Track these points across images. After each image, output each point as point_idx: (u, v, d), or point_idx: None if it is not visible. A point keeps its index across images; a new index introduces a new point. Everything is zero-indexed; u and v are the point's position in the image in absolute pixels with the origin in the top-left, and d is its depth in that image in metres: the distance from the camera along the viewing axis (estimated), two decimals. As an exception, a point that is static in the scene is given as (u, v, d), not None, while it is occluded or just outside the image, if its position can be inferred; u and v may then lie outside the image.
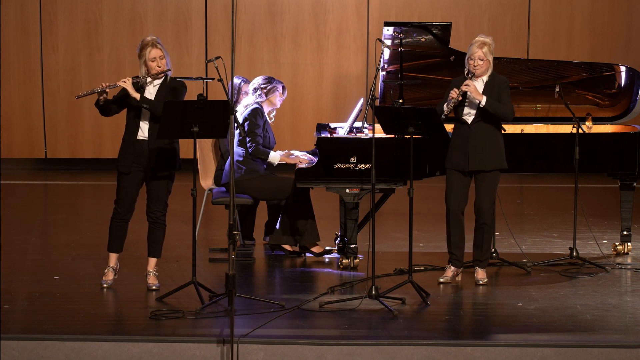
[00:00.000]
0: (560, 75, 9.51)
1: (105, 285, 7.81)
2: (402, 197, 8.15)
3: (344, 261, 8.56)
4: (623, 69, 9.55)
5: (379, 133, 8.31)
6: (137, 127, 7.68)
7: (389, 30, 9.14)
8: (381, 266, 8.32)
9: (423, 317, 7.20)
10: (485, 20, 14.38)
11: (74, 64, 14.31)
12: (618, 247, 9.15)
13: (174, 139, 7.69)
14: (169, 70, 7.68)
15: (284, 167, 8.99)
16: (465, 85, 7.83)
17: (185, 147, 8.50)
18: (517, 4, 14.42)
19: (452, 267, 8.10)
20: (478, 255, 8.05)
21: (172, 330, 6.78)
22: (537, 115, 9.64)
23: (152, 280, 7.83)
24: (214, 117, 7.32)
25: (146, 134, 7.66)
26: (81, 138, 14.43)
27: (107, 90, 7.59)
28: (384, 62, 9.26)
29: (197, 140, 7.49)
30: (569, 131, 8.90)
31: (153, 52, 7.64)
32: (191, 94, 8.11)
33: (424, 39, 9.30)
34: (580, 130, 8.64)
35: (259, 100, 8.86)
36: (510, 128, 9.23)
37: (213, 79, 7.87)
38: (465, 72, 7.96)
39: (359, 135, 8.85)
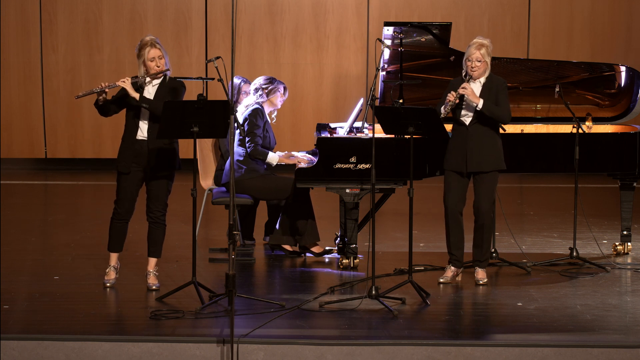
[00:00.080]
0: (560, 75, 9.50)
1: (108, 284, 7.82)
2: (402, 197, 8.15)
3: (344, 261, 8.55)
4: (623, 69, 9.54)
5: (379, 133, 8.31)
6: (137, 127, 7.67)
7: (389, 30, 9.13)
8: (381, 266, 8.31)
9: (423, 317, 7.19)
10: (485, 20, 14.37)
11: (74, 64, 14.30)
12: (618, 247, 9.14)
13: (174, 139, 7.70)
14: (168, 70, 7.67)
15: (284, 167, 8.99)
16: (462, 88, 7.82)
17: (185, 147, 8.50)
18: (517, 4, 14.41)
19: (452, 267, 8.10)
20: (478, 255, 8.05)
21: (172, 330, 6.77)
22: (537, 115, 9.64)
23: (152, 280, 7.82)
24: (214, 117, 7.31)
25: (145, 134, 7.66)
26: (81, 138, 14.42)
27: (107, 90, 7.59)
28: (384, 62, 9.26)
29: (197, 140, 7.49)
30: (569, 131, 8.90)
31: (152, 52, 7.64)
32: (191, 94, 8.11)
33: (424, 39, 9.30)
34: (580, 130, 8.63)
35: (260, 100, 8.85)
36: (510, 128, 9.22)
37: (213, 79, 7.87)
38: (463, 74, 7.95)
39: (359, 135, 8.85)
